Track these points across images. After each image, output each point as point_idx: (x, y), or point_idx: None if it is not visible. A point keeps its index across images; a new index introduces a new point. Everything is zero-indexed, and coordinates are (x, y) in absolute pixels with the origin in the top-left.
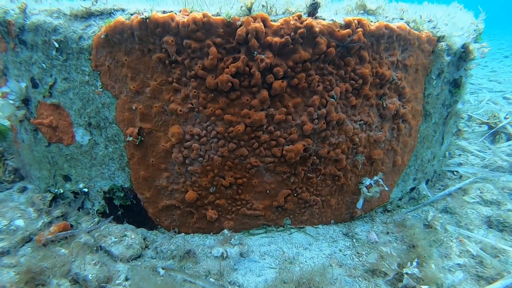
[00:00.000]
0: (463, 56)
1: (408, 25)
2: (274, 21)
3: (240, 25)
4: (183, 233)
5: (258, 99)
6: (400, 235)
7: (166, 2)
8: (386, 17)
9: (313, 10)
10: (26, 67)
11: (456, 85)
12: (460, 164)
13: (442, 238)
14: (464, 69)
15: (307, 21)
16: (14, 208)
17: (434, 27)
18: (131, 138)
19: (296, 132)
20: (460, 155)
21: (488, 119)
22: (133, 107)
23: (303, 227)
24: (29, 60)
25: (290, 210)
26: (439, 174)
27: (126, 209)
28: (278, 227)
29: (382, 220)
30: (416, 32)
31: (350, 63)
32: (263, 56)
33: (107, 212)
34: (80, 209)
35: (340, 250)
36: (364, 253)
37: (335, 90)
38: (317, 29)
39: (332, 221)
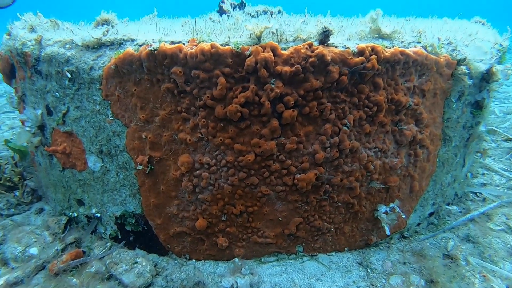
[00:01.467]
0: (485, 77)
1: (425, 49)
2: (285, 49)
3: (249, 55)
4: (194, 260)
5: (268, 128)
6: (418, 266)
7: (175, 31)
8: (402, 41)
9: (324, 38)
10: (41, 95)
11: (478, 107)
12: (483, 185)
13: (464, 272)
14: (487, 90)
15: (318, 50)
16: (30, 233)
17: (454, 50)
18: (141, 167)
19: (308, 160)
20: (483, 174)
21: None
22: (143, 136)
23: (316, 255)
24: (44, 88)
25: (302, 237)
26: (461, 197)
27: (137, 234)
28: (290, 255)
29: (399, 247)
30: (433, 56)
31: (364, 91)
32: (273, 86)
33: (119, 237)
34: (94, 233)
35: (354, 282)
36: (379, 285)
37: (348, 118)
38: (328, 58)
39: (346, 249)
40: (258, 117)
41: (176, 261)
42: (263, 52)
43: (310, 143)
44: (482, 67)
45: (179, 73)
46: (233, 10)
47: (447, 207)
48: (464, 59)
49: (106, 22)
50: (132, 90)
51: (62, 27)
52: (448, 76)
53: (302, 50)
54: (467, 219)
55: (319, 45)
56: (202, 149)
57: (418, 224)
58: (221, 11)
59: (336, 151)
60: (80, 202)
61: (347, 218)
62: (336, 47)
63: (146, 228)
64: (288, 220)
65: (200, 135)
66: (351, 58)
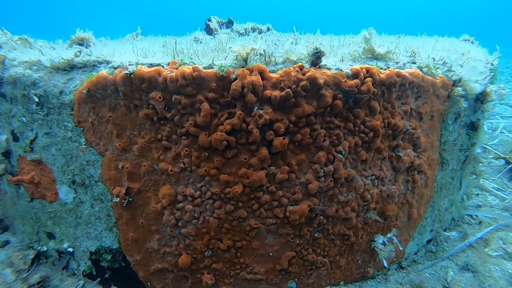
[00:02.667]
0: (480, 98)
1: (421, 70)
2: (273, 72)
3: (235, 79)
4: None
5: (257, 157)
6: None
7: (154, 53)
8: (397, 62)
9: (316, 60)
10: (6, 119)
11: (473, 128)
12: (478, 206)
13: None
14: (482, 111)
15: (309, 73)
16: None
17: (449, 70)
18: (118, 199)
19: (300, 191)
20: (478, 194)
21: (505, 153)
22: (120, 166)
23: None
24: (9, 112)
25: (295, 273)
26: (457, 220)
27: (114, 271)
28: None
29: (396, 279)
30: (430, 77)
31: (359, 115)
32: (261, 112)
33: (94, 274)
34: (65, 269)
35: None
36: None
37: (343, 145)
38: (321, 81)
39: (341, 283)
40: (246, 146)
41: None
42: (250, 75)
43: (303, 172)
44: (478, 88)
45: (158, 98)
46: (221, 29)
47: (445, 233)
48: (460, 80)
49: (82, 41)
50: (107, 116)
51: (35, 46)
52: (445, 98)
53: (292, 73)
54: (465, 246)
55: (311, 67)
56: (185, 180)
57: (416, 253)
58: (208, 30)
59: (331, 180)
60: (51, 236)
61: (342, 250)
62: (328, 69)
63: (123, 264)
64: (279, 254)
65: (182, 165)
66: (345, 81)
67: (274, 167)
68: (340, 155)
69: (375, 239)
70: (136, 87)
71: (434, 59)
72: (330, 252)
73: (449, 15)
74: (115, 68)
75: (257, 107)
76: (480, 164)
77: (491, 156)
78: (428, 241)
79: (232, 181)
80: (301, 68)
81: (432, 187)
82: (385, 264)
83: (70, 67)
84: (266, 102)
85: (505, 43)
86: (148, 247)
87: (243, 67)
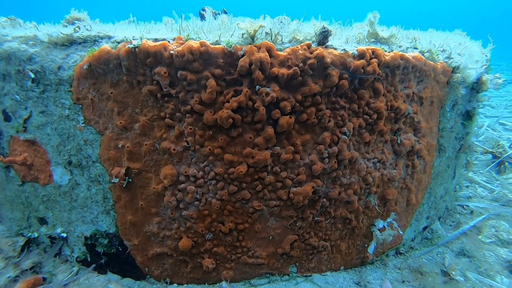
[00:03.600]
0: (475, 87)
1: (423, 55)
2: (280, 50)
3: (243, 55)
4: (175, 284)
5: (263, 136)
6: (417, 283)
7: (158, 29)
8: (400, 46)
9: (323, 39)
10: None
11: (468, 117)
12: (469, 198)
13: None
14: (477, 101)
15: (317, 51)
16: None
17: (448, 58)
18: (117, 180)
19: (304, 172)
20: (468, 186)
21: (492, 148)
22: (120, 145)
23: (310, 275)
24: (0, 90)
25: (296, 257)
26: (450, 209)
27: (110, 257)
28: (283, 276)
29: (395, 265)
30: (431, 62)
31: (364, 97)
32: (268, 90)
33: (89, 260)
34: (57, 256)
35: None
36: None
37: (348, 126)
38: (328, 60)
39: (342, 268)
40: (251, 124)
41: (155, 286)
42: (258, 52)
43: (307, 153)
44: (475, 74)
45: (163, 74)
46: (215, 19)
47: (433, 227)
48: (458, 67)
49: (77, 21)
50: (109, 93)
51: (24, 27)
52: (444, 84)
53: (300, 51)
54: (460, 233)
55: (318, 46)
56: (188, 159)
57: (413, 239)
58: (202, 19)
59: (335, 162)
60: (42, 221)
61: (343, 234)
62: (335, 49)
63: (120, 249)
64: (281, 238)
65: (186, 144)
66: (351, 61)
67: (279, 147)
68: (344, 136)
69: (375, 224)
70: (140, 61)
71: (434, 45)
72: (331, 236)
73: (439, 15)
74: (118, 42)
75: (264, 85)
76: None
77: (479, 150)
78: (424, 228)
79: (236, 160)
80: (309, 46)
81: (429, 173)
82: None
83: (69, 43)
84: (273, 80)
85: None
86: (147, 230)
87: (250, 44)
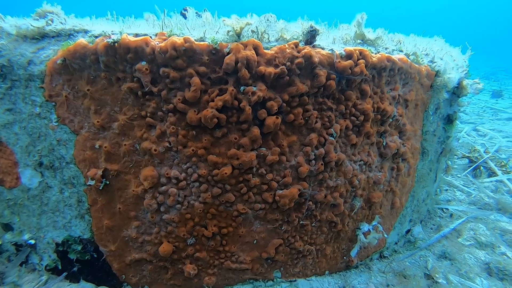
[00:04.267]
0: (456, 92)
1: (408, 57)
2: (267, 49)
3: (228, 53)
4: None
5: (248, 137)
6: (401, 287)
7: (139, 25)
8: (386, 48)
9: (311, 38)
10: None
11: (449, 121)
12: (448, 201)
13: None
14: (457, 105)
15: (305, 50)
16: None
17: (432, 61)
18: (93, 182)
19: (290, 174)
20: (446, 190)
21: (469, 153)
22: (97, 145)
23: (295, 280)
24: None
25: (281, 261)
26: (431, 213)
27: (84, 264)
28: (267, 281)
29: (379, 268)
30: (416, 65)
31: (351, 98)
32: (254, 89)
33: (60, 268)
34: (24, 265)
35: None
36: None
37: (335, 128)
38: (316, 59)
39: (326, 272)
40: (237, 125)
41: None
42: (245, 50)
43: (293, 155)
44: (456, 78)
45: (145, 70)
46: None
47: (413, 230)
48: (439, 71)
49: (50, 14)
50: (85, 90)
51: None
52: (428, 87)
53: (287, 50)
54: (440, 236)
55: (305, 45)
56: (170, 161)
57: (396, 242)
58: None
59: (321, 164)
60: (7, 227)
61: (329, 238)
62: (322, 48)
63: (95, 255)
64: (266, 242)
65: (168, 144)
66: (339, 62)
67: (265, 149)
68: (331, 138)
69: (360, 227)
70: (120, 57)
71: (418, 49)
72: (317, 240)
73: (418, 22)
74: (96, 37)
75: (250, 84)
76: (449, 161)
77: (455, 157)
78: (407, 231)
79: (220, 162)
80: (296, 45)
81: (413, 176)
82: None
83: (40, 36)
84: (259, 79)
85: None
86: (124, 235)
87: (235, 42)
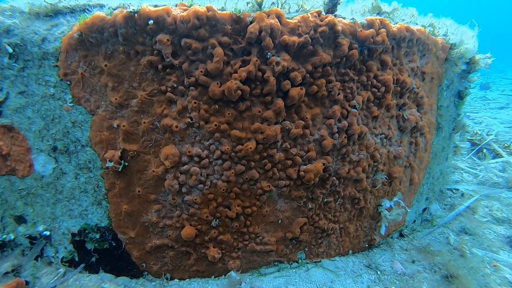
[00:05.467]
0: (467, 67)
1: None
2: (288, 19)
3: (252, 21)
4: (177, 279)
5: (272, 109)
6: (427, 262)
7: None
8: (403, 20)
9: (332, 7)
10: None
11: (459, 97)
12: (456, 182)
13: (475, 264)
14: (468, 81)
15: (328, 18)
16: None
17: (445, 35)
18: (111, 164)
19: (314, 148)
20: (453, 172)
21: (471, 136)
22: (115, 125)
23: (319, 261)
24: None
25: (306, 241)
26: (443, 192)
27: (102, 254)
28: (292, 263)
29: (401, 246)
30: (433, 37)
31: (372, 68)
32: (278, 59)
33: (76, 259)
34: (39, 258)
35: (369, 287)
36: (394, 287)
37: (357, 99)
38: (339, 28)
39: (350, 252)
40: (260, 97)
41: (154, 283)
42: (268, 18)
43: (317, 128)
44: (473, 50)
45: (166, 41)
46: None
47: (431, 208)
48: (455, 44)
49: None
50: (102, 66)
51: None
52: (443, 61)
53: (310, 18)
54: (457, 214)
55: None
56: (192, 138)
57: (414, 221)
58: None
59: (345, 137)
60: (20, 219)
61: (352, 216)
62: (343, 18)
63: (114, 244)
64: (290, 221)
65: (189, 120)
66: (361, 31)
67: (288, 122)
68: (354, 110)
69: (382, 204)
70: (140, 28)
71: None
72: (340, 217)
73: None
74: (114, 9)
75: (273, 54)
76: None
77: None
78: (424, 210)
79: (244, 137)
80: (319, 13)
81: (430, 152)
82: (383, 231)
83: (54, 13)
84: (283, 49)
85: None
86: (144, 220)
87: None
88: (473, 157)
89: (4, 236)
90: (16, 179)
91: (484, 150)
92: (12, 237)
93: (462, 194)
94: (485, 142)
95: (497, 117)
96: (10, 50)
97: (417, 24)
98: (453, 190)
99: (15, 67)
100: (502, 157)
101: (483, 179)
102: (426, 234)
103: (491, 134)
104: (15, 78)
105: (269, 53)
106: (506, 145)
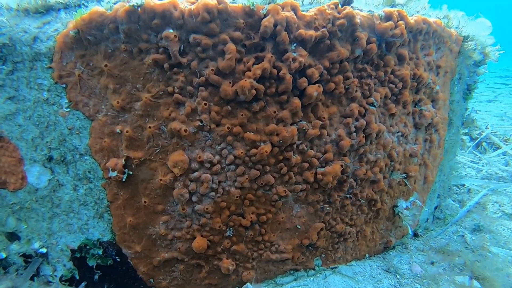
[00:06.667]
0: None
1: None
2: (303, 11)
3: (266, 15)
4: None
5: (289, 109)
6: (447, 264)
7: None
8: (418, 12)
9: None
10: None
11: (468, 91)
12: (461, 177)
13: (498, 264)
14: (476, 74)
15: (346, 10)
16: None
17: (457, 27)
18: (115, 173)
19: (331, 150)
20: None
21: (469, 130)
22: (117, 130)
23: (336, 267)
24: None
25: (322, 247)
26: (450, 189)
27: (105, 270)
28: (308, 271)
29: (417, 247)
30: (448, 29)
31: (390, 63)
32: (295, 55)
33: (77, 278)
34: (35, 278)
35: None
36: None
37: (375, 96)
38: (358, 20)
39: (366, 255)
40: (275, 96)
41: None
42: (283, 11)
43: (334, 128)
44: (490, 41)
45: (173, 38)
46: None
47: (445, 205)
48: (469, 36)
49: None
50: (102, 66)
51: None
52: (456, 54)
53: (327, 11)
54: (467, 210)
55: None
56: (202, 142)
57: (427, 220)
58: None
59: (363, 136)
60: (13, 236)
61: (368, 218)
62: (360, 10)
63: (118, 260)
64: (307, 227)
65: (199, 123)
66: (379, 23)
67: (305, 122)
68: (372, 107)
69: (398, 204)
70: (144, 24)
71: (445, 13)
72: (357, 220)
73: None
74: (114, 3)
75: (289, 50)
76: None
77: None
78: (435, 208)
79: (259, 139)
80: (336, 5)
81: (442, 149)
82: (410, 231)
83: (45, 9)
84: (299, 44)
85: None
86: (151, 233)
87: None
88: (473, 151)
89: None
90: (6, 192)
91: (484, 144)
92: (4, 255)
93: (469, 190)
94: (484, 135)
95: (488, 110)
96: None
97: (430, 15)
98: (459, 186)
99: (2, 70)
100: (502, 148)
101: (487, 173)
102: (440, 233)
103: (489, 128)
104: (3, 82)
105: (294, 44)
106: (505, 138)
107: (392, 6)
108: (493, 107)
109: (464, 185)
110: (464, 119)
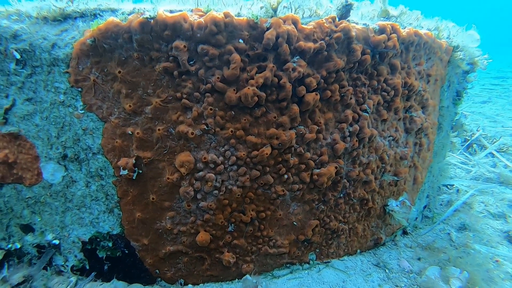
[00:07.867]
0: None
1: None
2: (303, 24)
3: (268, 28)
4: (190, 285)
5: (288, 115)
6: (433, 260)
7: (170, 1)
8: (411, 24)
9: (345, 13)
10: None
11: (458, 97)
12: (450, 178)
13: (478, 260)
14: (466, 81)
15: (343, 24)
16: None
17: (448, 37)
18: (125, 172)
19: (327, 152)
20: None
21: (458, 134)
22: (128, 132)
23: (329, 261)
24: None
25: (317, 243)
26: (439, 189)
27: (114, 261)
28: (303, 264)
29: (406, 244)
30: (438, 40)
31: (383, 73)
32: (295, 65)
33: (87, 268)
34: (48, 268)
35: (380, 286)
36: (403, 285)
37: (368, 103)
38: (353, 34)
39: (358, 251)
40: (275, 103)
41: None
42: (284, 24)
43: (329, 132)
44: (478, 52)
45: (183, 48)
46: None
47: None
48: (458, 46)
49: None
50: (115, 72)
51: None
52: (446, 63)
53: (325, 24)
54: (454, 209)
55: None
56: (207, 144)
57: (416, 218)
58: None
59: (356, 140)
60: (27, 228)
61: (360, 216)
62: (356, 23)
63: (127, 252)
64: (303, 224)
65: (205, 127)
66: (374, 36)
67: (303, 127)
68: (365, 113)
69: (388, 204)
70: (156, 35)
71: (436, 24)
72: (349, 218)
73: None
74: (128, 14)
75: (289, 60)
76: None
77: None
78: (425, 207)
79: (260, 142)
80: (334, 19)
81: (432, 152)
82: (405, 223)
83: (63, 17)
84: (299, 54)
85: None
86: (158, 227)
87: (272, 17)
88: (464, 153)
89: (10, 245)
90: (23, 187)
91: (474, 146)
92: (19, 246)
93: (458, 190)
94: (474, 137)
95: (481, 111)
96: (18, 56)
97: (422, 27)
98: (448, 186)
99: (22, 73)
100: (493, 154)
101: (476, 174)
102: (427, 231)
103: (480, 130)
104: (22, 84)
105: (296, 56)
106: (495, 140)
107: (387, 19)
108: (486, 108)
109: (453, 185)
110: (454, 123)
